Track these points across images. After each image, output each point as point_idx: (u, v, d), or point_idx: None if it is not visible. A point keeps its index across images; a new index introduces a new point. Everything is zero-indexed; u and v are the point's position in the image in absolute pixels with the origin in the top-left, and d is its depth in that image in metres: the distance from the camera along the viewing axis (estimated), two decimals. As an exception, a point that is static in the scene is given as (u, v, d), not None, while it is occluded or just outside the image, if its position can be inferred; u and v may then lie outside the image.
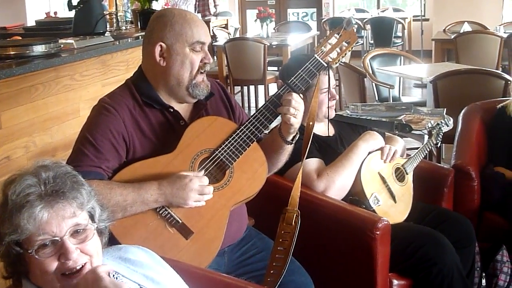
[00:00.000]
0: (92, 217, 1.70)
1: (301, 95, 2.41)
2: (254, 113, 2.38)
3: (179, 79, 2.37)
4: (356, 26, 2.52)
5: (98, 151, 2.25)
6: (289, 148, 2.50)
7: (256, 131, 2.36)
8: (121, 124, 2.30)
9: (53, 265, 1.61)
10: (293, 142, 2.47)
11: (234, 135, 2.35)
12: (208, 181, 2.27)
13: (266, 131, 2.46)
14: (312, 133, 2.87)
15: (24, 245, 1.60)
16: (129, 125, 2.32)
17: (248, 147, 2.36)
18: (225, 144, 2.34)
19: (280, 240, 2.31)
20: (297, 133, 2.46)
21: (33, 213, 1.58)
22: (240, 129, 2.36)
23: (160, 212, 2.25)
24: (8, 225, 1.59)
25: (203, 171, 2.31)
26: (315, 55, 2.44)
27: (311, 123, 2.44)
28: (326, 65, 2.45)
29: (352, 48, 2.51)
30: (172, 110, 2.41)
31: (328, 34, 2.49)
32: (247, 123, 2.37)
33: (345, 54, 2.49)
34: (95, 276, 1.56)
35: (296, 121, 2.37)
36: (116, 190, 2.17)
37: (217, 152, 2.33)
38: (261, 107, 2.39)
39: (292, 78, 2.41)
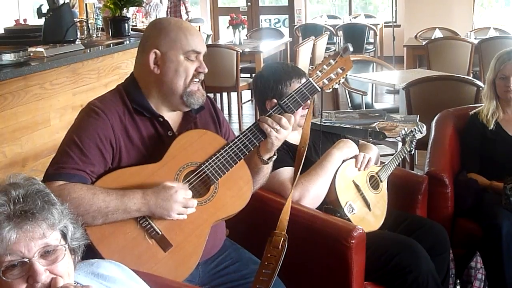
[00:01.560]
0: (64, 236, 1.65)
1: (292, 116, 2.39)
2: (244, 131, 2.36)
3: (172, 87, 2.34)
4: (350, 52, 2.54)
5: (84, 155, 2.20)
6: (264, 169, 2.49)
7: (244, 149, 2.34)
8: (109, 129, 2.26)
9: (21, 287, 1.56)
10: (269, 162, 2.45)
11: (222, 151, 2.32)
12: (191, 194, 2.24)
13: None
14: (286, 142, 2.87)
15: None
16: (118, 131, 2.28)
17: (235, 164, 2.33)
18: (212, 159, 2.31)
19: (266, 263, 2.28)
20: (274, 154, 2.45)
21: (0, 234, 1.54)
22: (229, 145, 2.33)
23: (141, 222, 2.21)
24: None
25: (187, 184, 2.27)
26: (310, 79, 2.44)
27: (302, 147, 2.43)
28: (319, 89, 2.45)
29: (346, 75, 2.51)
30: (162, 119, 2.38)
31: (324, 59, 2.49)
32: (236, 140, 2.35)
33: (339, 80, 2.49)
34: None
35: (277, 140, 2.36)
36: (99, 196, 2.13)
37: (203, 167, 2.30)
38: (252, 125, 2.37)
39: (285, 99, 2.40)
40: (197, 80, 2.37)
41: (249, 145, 2.34)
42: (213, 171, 2.30)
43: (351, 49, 2.46)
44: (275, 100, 2.81)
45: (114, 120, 2.28)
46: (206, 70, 2.41)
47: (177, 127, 2.43)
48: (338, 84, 2.52)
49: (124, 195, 2.16)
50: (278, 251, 2.28)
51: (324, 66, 2.46)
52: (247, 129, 2.36)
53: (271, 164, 2.49)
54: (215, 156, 2.31)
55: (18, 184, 1.62)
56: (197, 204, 2.25)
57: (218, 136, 2.45)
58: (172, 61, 2.33)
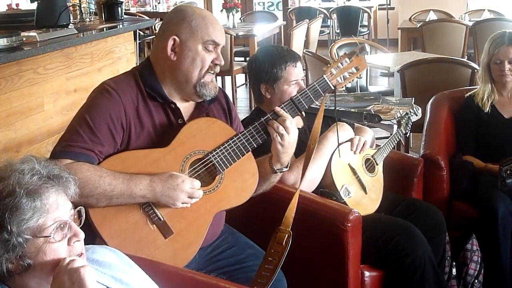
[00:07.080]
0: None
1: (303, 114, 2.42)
2: (254, 123, 2.35)
3: (187, 76, 2.32)
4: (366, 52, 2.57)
5: (94, 134, 2.18)
6: (271, 178, 2.48)
7: (252, 141, 2.33)
8: (121, 110, 2.24)
9: (64, 250, 1.56)
10: (277, 172, 2.45)
11: (230, 141, 2.31)
12: (200, 185, 2.23)
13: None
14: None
15: (37, 232, 1.53)
16: (130, 114, 2.26)
17: (242, 155, 2.32)
18: (220, 149, 2.30)
19: (269, 258, 2.28)
20: (286, 167, 2.45)
21: (49, 195, 1.55)
22: (238, 136, 2.32)
23: (144, 207, 2.21)
24: (21, 212, 1.50)
25: (195, 176, 2.26)
26: (324, 76, 2.44)
27: (312, 145, 2.42)
28: (333, 87, 2.45)
29: (360, 75, 2.52)
30: (174, 106, 2.36)
31: (340, 57, 2.50)
32: (245, 131, 2.33)
33: (353, 80, 2.50)
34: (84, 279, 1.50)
35: (282, 147, 2.34)
36: (105, 179, 2.12)
37: (210, 156, 2.29)
38: (262, 117, 2.37)
39: (297, 94, 2.40)
40: (212, 72, 2.35)
41: (258, 137, 2.34)
42: (220, 161, 2.29)
43: (367, 49, 2.46)
44: (268, 85, 2.78)
45: (127, 102, 2.26)
46: (223, 63, 2.39)
47: (188, 116, 2.41)
48: (351, 83, 2.52)
49: (131, 180, 2.15)
50: (281, 248, 2.28)
51: (339, 64, 2.48)
52: (257, 122, 2.36)
53: (279, 175, 2.49)
54: (223, 146, 2.30)
55: (29, 157, 1.63)
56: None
57: (227, 126, 2.43)
58: (190, 49, 2.31)
